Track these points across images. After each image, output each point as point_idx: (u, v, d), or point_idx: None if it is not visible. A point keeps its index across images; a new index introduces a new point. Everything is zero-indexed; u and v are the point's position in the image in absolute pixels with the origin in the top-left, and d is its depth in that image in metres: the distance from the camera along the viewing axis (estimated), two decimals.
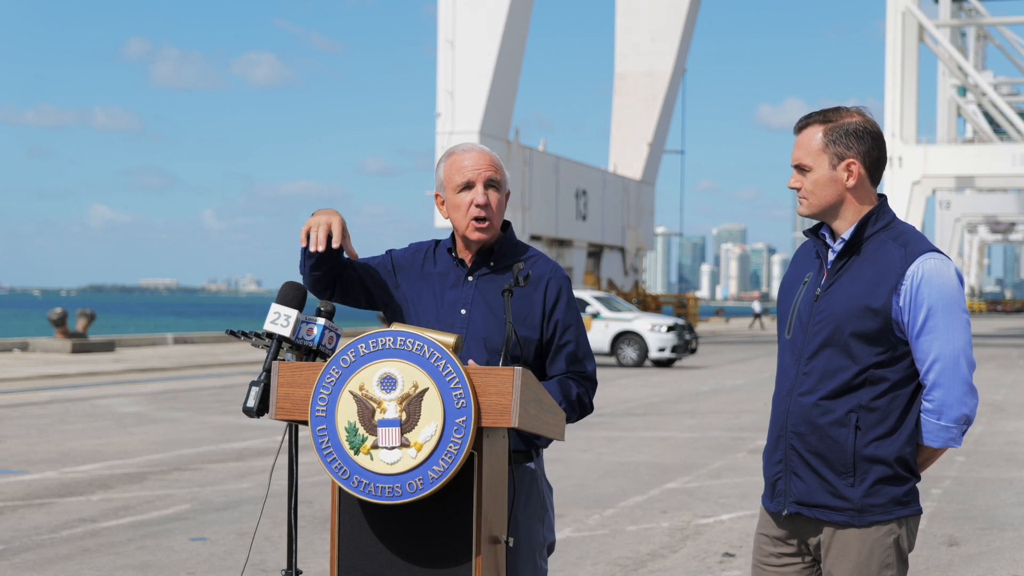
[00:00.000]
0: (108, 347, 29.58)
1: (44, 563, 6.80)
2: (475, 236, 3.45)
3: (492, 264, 3.50)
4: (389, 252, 3.64)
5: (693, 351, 28.08)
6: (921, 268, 3.15)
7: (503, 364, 3.11)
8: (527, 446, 3.45)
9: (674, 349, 26.87)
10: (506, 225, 3.56)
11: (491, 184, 3.44)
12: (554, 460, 10.68)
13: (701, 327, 57.23)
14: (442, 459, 2.91)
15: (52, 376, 21.57)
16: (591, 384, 3.52)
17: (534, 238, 40.85)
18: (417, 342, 2.96)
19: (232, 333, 3.39)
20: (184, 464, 10.68)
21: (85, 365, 24.19)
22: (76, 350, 28.15)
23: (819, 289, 3.26)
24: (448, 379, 2.93)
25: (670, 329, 26.98)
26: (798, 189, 3.29)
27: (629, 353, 27.02)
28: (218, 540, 7.45)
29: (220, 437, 12.68)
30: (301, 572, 3.26)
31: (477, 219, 3.43)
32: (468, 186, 3.43)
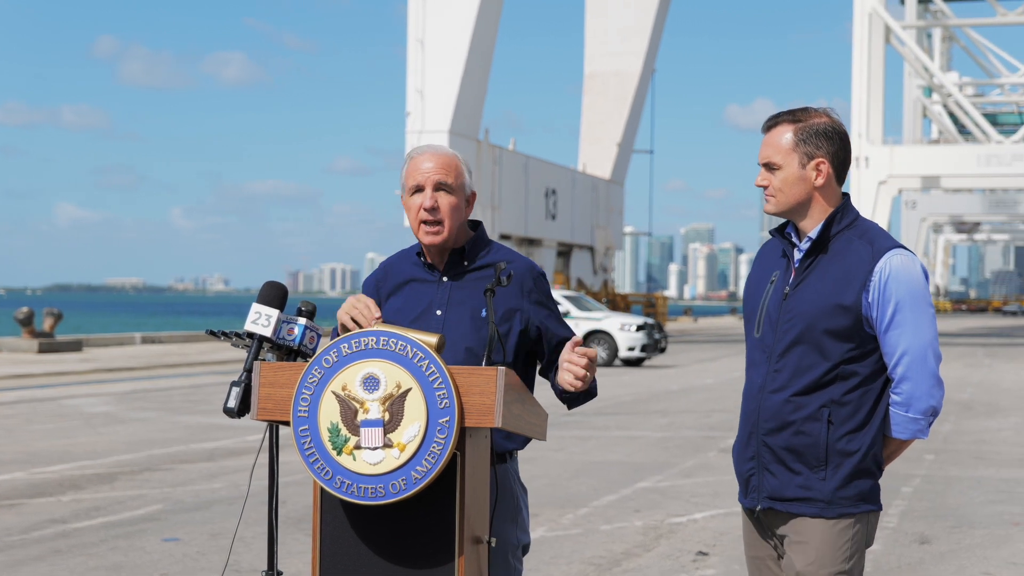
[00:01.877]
0: (75, 347, 29.35)
1: (15, 565, 6.74)
2: (426, 240, 3.42)
3: (465, 264, 3.49)
4: (373, 279, 3.59)
5: (663, 350, 28.17)
6: (888, 264, 3.21)
7: (486, 364, 3.10)
8: (500, 448, 3.42)
9: (644, 348, 26.95)
10: (476, 224, 3.55)
11: (441, 187, 3.40)
12: (527, 460, 10.68)
13: (670, 326, 57.39)
14: (425, 459, 2.90)
15: (19, 376, 21.39)
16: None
17: (503, 237, 40.85)
18: (400, 342, 2.96)
19: (212, 333, 3.37)
20: (155, 464, 10.62)
21: (52, 365, 24.00)
22: (43, 350, 27.92)
23: (788, 288, 3.29)
24: (431, 379, 2.92)
25: (640, 328, 27.05)
26: (765, 187, 3.32)
27: (599, 352, 27.07)
28: (191, 540, 7.41)
29: (191, 437, 12.61)
30: (281, 573, 3.25)
31: (425, 222, 3.40)
32: (418, 189, 3.41)
